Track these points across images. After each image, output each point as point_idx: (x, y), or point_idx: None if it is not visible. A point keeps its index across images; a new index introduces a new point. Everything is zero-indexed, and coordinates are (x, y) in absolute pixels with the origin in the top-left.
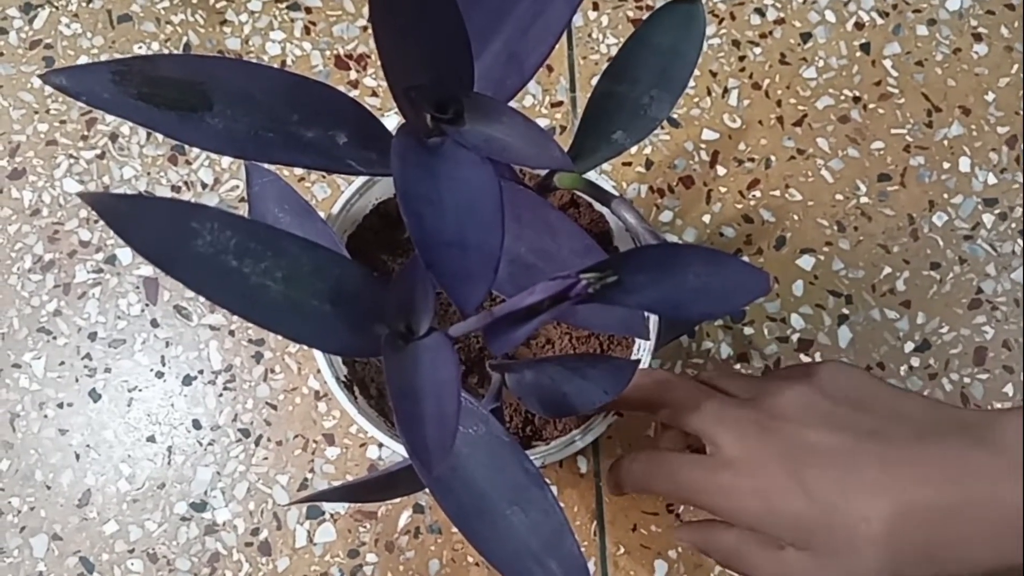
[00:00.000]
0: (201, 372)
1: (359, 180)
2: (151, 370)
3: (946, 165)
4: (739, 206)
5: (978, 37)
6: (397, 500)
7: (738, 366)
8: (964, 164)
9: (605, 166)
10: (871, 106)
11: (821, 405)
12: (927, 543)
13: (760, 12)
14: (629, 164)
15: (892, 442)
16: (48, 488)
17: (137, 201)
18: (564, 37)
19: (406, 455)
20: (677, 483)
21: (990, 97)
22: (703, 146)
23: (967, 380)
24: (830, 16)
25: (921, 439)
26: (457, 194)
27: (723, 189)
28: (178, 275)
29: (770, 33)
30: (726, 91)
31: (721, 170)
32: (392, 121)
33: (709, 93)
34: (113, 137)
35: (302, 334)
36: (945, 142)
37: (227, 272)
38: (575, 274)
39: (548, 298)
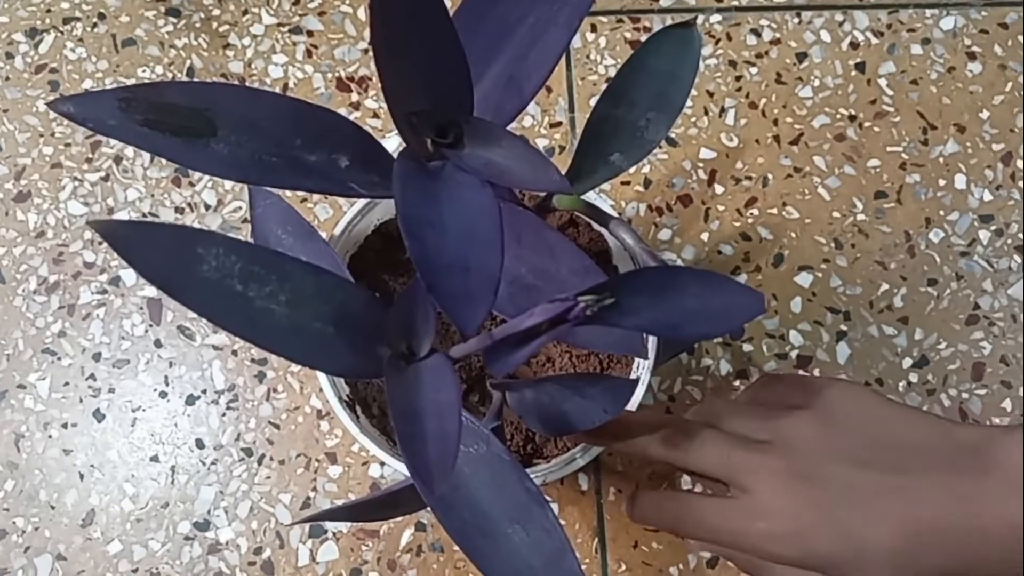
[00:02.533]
0: (204, 392)
1: (361, 202)
2: (155, 390)
3: (942, 182)
4: (737, 224)
5: (972, 56)
6: (399, 518)
7: (737, 383)
8: (960, 181)
9: (604, 185)
10: (867, 124)
11: (839, 441)
12: (944, 567)
13: (756, 33)
14: (628, 183)
15: (909, 474)
16: (52, 508)
17: (143, 228)
18: (562, 59)
19: (408, 474)
20: (711, 530)
21: (985, 115)
22: (701, 165)
23: (965, 395)
24: (825, 36)
25: (935, 467)
26: (457, 217)
27: (721, 207)
28: (184, 300)
29: (766, 53)
30: (723, 111)
31: (719, 188)
32: (393, 142)
33: (706, 113)
34: (117, 160)
35: (306, 356)
36: (941, 159)
37: (232, 296)
38: (573, 297)
39: (547, 320)
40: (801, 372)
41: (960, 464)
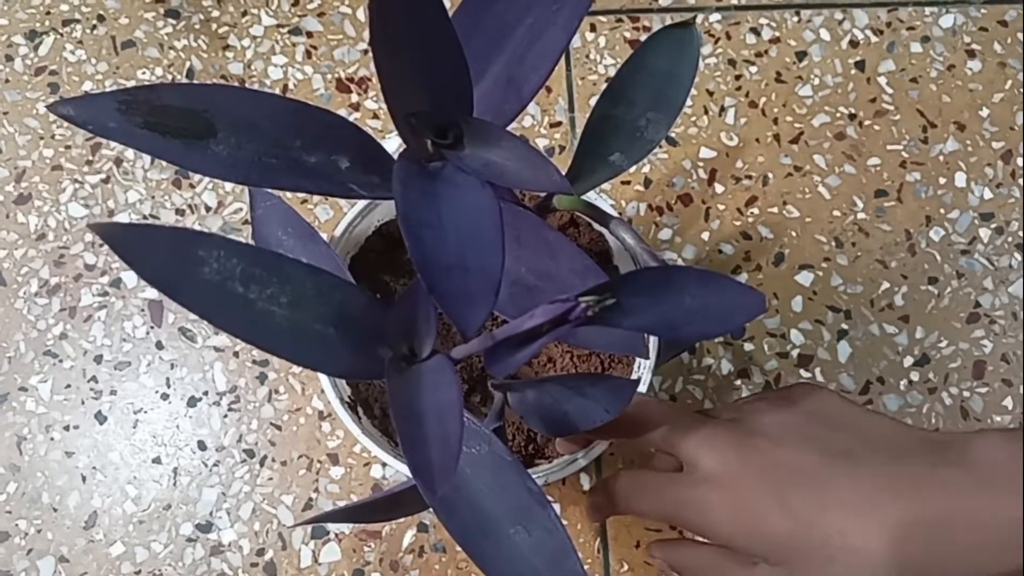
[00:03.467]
0: (206, 393)
1: (361, 203)
2: (156, 392)
3: (942, 180)
4: (737, 223)
5: (971, 54)
6: (401, 519)
7: (738, 382)
8: (960, 179)
9: (604, 185)
10: (867, 123)
11: (796, 424)
12: (898, 558)
13: (755, 32)
14: (628, 183)
15: (864, 461)
16: (55, 510)
17: (144, 230)
18: (562, 59)
19: (410, 475)
20: (657, 501)
21: (985, 113)
22: (701, 164)
23: (966, 394)
24: (825, 35)
25: (893, 458)
26: (458, 218)
27: (721, 206)
28: (185, 302)
29: (765, 52)
30: (723, 110)
31: (719, 188)
32: (393, 143)
33: (706, 112)
34: (118, 162)
35: (307, 358)
36: (941, 158)
37: (233, 298)
38: (575, 297)
39: (548, 321)
40: (802, 372)
41: (930, 458)
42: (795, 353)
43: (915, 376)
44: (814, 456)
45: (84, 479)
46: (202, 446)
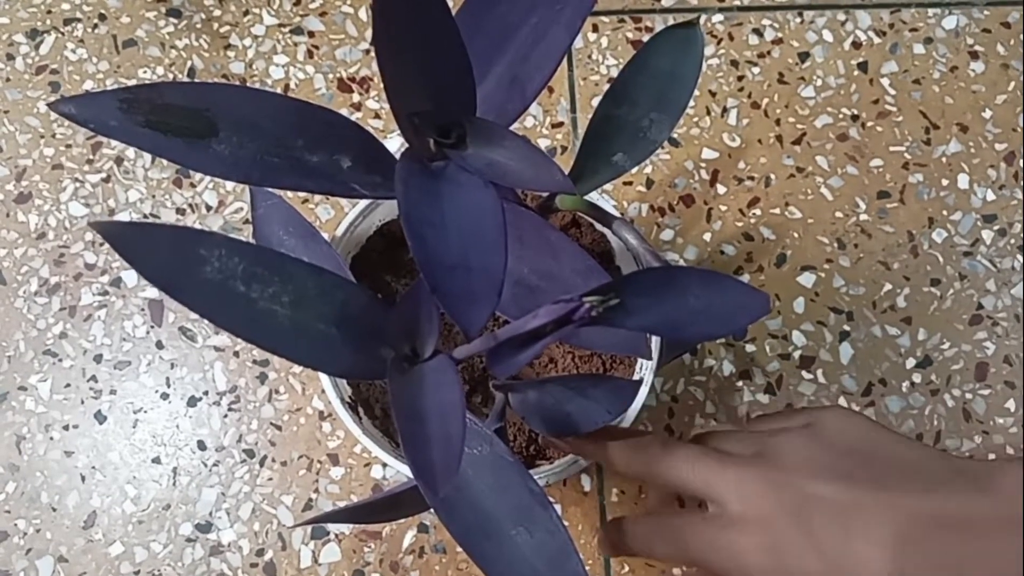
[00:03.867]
0: (206, 393)
1: (363, 202)
2: (156, 391)
3: (945, 182)
4: (739, 224)
5: (974, 55)
6: (402, 520)
7: (740, 384)
8: (963, 181)
9: (606, 186)
10: (869, 124)
11: (823, 457)
12: None
13: (758, 32)
14: (630, 184)
15: (893, 490)
16: (54, 510)
17: (145, 229)
18: (564, 59)
19: (411, 475)
20: (683, 545)
21: (987, 114)
22: (703, 165)
23: (969, 396)
24: (827, 36)
25: (926, 489)
26: (460, 217)
27: (723, 207)
28: (186, 301)
29: (768, 53)
30: (725, 111)
31: (721, 188)
32: (395, 143)
33: (708, 113)
34: (118, 161)
35: (308, 358)
36: (943, 159)
37: (235, 297)
38: (578, 297)
39: (552, 321)
40: (804, 374)
41: (957, 484)
42: (797, 354)
43: (917, 378)
44: (842, 487)
45: (83, 479)
46: (202, 446)
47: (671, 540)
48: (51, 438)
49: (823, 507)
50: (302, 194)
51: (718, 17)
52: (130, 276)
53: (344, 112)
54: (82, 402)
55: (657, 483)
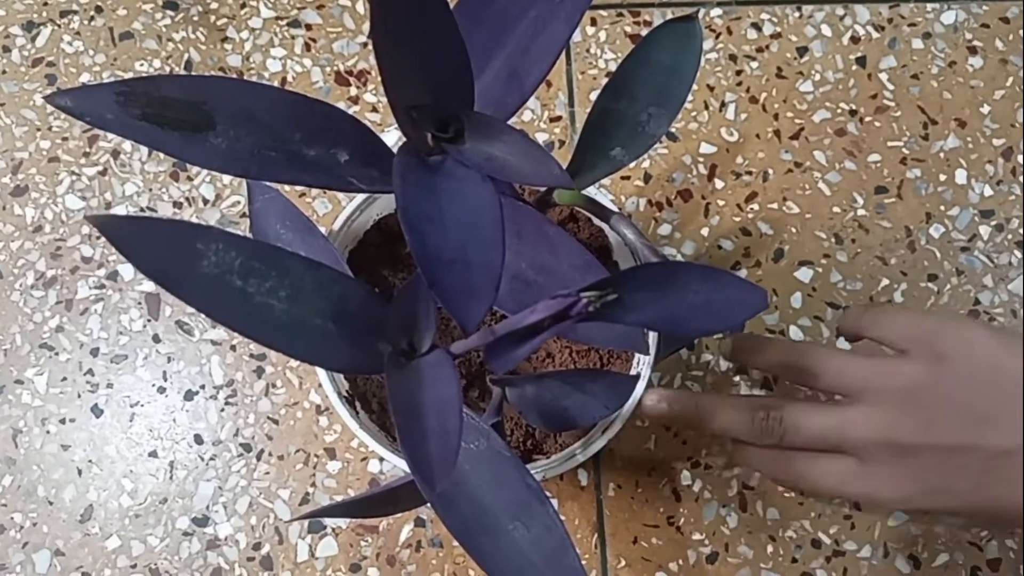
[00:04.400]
0: (203, 387)
1: (360, 196)
2: (153, 385)
3: (942, 177)
4: (737, 219)
5: (973, 50)
6: (399, 514)
7: (737, 379)
8: (960, 176)
9: (604, 180)
10: (867, 119)
11: (959, 396)
12: None
13: (757, 27)
14: (628, 178)
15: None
16: (50, 504)
17: (142, 223)
18: (563, 53)
19: (408, 470)
20: (825, 490)
21: (985, 109)
22: (701, 160)
23: None
24: (826, 30)
25: None
26: (458, 212)
27: (721, 202)
28: (184, 295)
29: (767, 47)
30: (723, 105)
31: (719, 183)
32: (392, 136)
33: (707, 107)
34: (115, 154)
35: (305, 352)
36: (941, 154)
37: (231, 292)
38: (576, 293)
39: (549, 317)
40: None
41: None
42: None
43: None
44: (987, 435)
45: (80, 472)
46: (199, 440)
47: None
48: (48, 432)
49: (958, 459)
50: (299, 188)
51: (716, 11)
52: (127, 270)
53: (342, 105)
54: (79, 396)
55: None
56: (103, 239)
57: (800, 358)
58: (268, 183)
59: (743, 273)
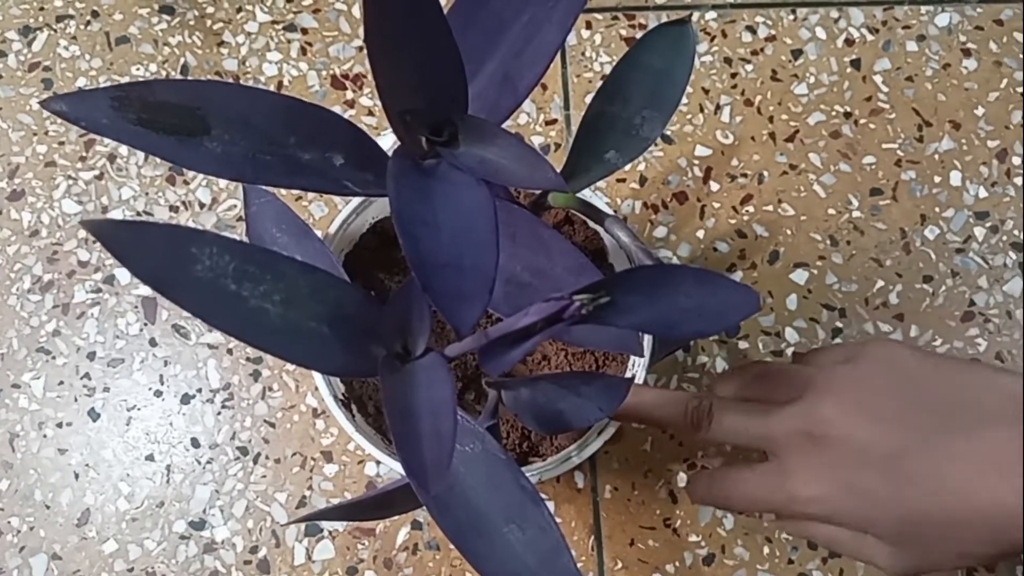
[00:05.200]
0: (199, 391)
1: (356, 200)
2: (150, 389)
3: (937, 179)
4: (732, 221)
5: (967, 52)
6: (395, 517)
7: None
8: (955, 178)
9: (599, 183)
10: (862, 121)
11: (871, 403)
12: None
13: (751, 30)
14: (623, 181)
15: (951, 434)
16: (47, 507)
17: (137, 227)
18: (558, 56)
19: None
20: (752, 501)
21: (980, 111)
22: (696, 162)
23: None
24: (821, 33)
25: (982, 424)
26: (452, 215)
27: (716, 205)
28: (178, 300)
29: (761, 50)
30: (718, 108)
31: (714, 186)
32: (388, 140)
33: (702, 110)
34: (111, 158)
35: (301, 356)
36: (936, 156)
37: (226, 296)
38: (569, 296)
39: (543, 319)
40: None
41: (1011, 416)
42: (790, 351)
43: None
44: (901, 436)
45: (77, 476)
46: (195, 443)
47: (743, 496)
48: (44, 436)
49: (880, 462)
50: (295, 192)
51: (711, 14)
52: (123, 274)
53: (337, 109)
54: (75, 400)
55: (709, 444)
56: (99, 243)
57: (756, 375)
58: (264, 187)
59: (739, 275)
